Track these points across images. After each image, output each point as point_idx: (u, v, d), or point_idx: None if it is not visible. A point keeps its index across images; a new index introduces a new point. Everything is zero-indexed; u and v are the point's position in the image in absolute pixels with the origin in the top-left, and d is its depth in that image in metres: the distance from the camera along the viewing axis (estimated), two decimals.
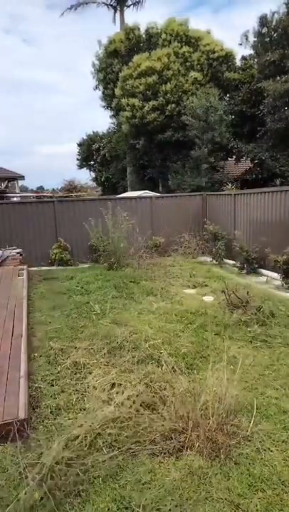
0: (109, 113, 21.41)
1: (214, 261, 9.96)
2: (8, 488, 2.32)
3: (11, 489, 2.30)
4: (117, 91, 17.03)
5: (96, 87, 20.56)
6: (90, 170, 25.96)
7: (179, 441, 2.67)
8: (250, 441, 2.71)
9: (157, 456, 2.59)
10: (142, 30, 18.47)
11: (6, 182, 21.94)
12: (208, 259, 10.32)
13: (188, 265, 9.39)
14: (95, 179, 26.07)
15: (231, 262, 9.46)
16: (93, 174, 26.05)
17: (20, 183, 26.89)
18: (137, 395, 3.19)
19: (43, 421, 3.01)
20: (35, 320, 5.52)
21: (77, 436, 2.69)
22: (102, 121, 69.94)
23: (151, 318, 5.33)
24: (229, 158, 17.05)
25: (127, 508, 2.14)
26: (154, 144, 16.59)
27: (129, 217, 9.37)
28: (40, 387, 3.52)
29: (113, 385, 3.45)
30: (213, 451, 2.58)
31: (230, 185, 14.23)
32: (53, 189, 41.92)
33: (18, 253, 9.10)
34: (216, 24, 66.83)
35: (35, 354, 4.29)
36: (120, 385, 3.43)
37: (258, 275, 8.23)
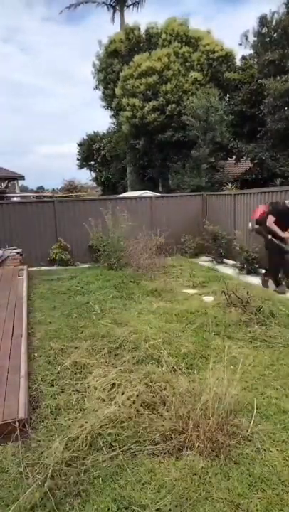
0: (109, 113, 21.46)
1: (214, 261, 9.96)
2: (9, 488, 2.32)
3: (12, 489, 2.30)
4: (118, 91, 17.04)
5: (96, 87, 20.59)
6: (90, 170, 25.98)
7: (179, 441, 2.67)
8: (250, 441, 2.71)
9: (157, 456, 2.59)
10: (142, 30, 18.48)
11: (6, 182, 21.95)
12: (208, 259, 10.32)
13: (188, 265, 9.40)
14: (95, 179, 26.08)
15: (231, 262, 9.46)
16: (93, 174, 26.07)
17: (20, 183, 26.91)
18: (137, 395, 3.19)
19: (43, 421, 3.02)
20: (35, 320, 5.52)
21: (78, 437, 2.69)
22: (102, 121, 70.15)
23: (151, 318, 5.33)
24: (229, 158, 17.05)
25: (127, 508, 2.14)
26: (154, 143, 16.59)
27: (129, 217, 9.37)
28: (40, 387, 3.52)
29: (113, 385, 3.45)
30: (213, 451, 2.58)
31: (230, 185, 14.24)
32: (53, 189, 41.94)
33: (18, 253, 9.10)
34: (216, 24, 66.88)
35: (35, 354, 4.29)
36: (120, 385, 3.43)
37: (258, 275, 8.23)
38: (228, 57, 16.59)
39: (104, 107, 20.81)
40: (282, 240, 6.64)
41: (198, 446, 2.60)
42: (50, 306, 6.23)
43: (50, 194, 31.17)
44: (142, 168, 18.57)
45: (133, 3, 23.94)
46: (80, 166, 25.88)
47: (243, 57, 16.62)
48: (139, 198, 11.33)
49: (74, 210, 10.34)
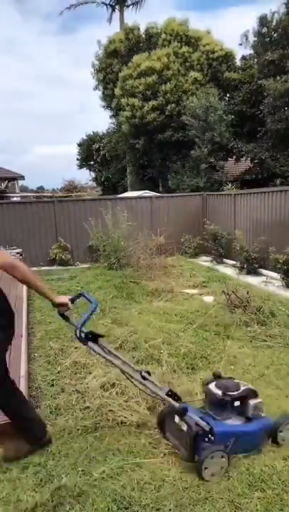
0: (109, 113, 21.43)
1: (214, 261, 9.97)
2: (9, 488, 2.32)
3: (12, 490, 2.30)
4: (117, 91, 17.02)
5: (96, 87, 20.57)
6: (90, 170, 25.96)
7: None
8: None
9: (157, 456, 2.58)
10: (142, 30, 18.46)
11: (6, 182, 21.95)
12: (208, 259, 10.32)
13: (188, 265, 9.40)
14: (95, 179, 26.07)
15: (231, 262, 9.46)
16: (93, 174, 26.05)
17: (20, 183, 26.92)
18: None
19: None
20: (35, 320, 5.52)
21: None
22: (102, 121, 70.18)
23: (151, 318, 5.32)
24: (229, 158, 17.04)
25: (127, 508, 2.14)
26: (154, 143, 16.58)
27: (129, 217, 9.37)
28: (40, 387, 3.52)
29: (113, 385, 3.45)
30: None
31: (230, 185, 14.24)
32: (53, 189, 41.92)
33: (18, 253, 9.09)
34: (216, 24, 66.93)
35: (35, 354, 4.29)
36: (121, 384, 3.43)
37: (258, 275, 8.23)
38: (228, 57, 16.58)
39: (103, 107, 20.80)
40: None
41: None
42: (50, 306, 6.22)
43: (50, 194, 31.18)
44: (142, 168, 18.56)
45: (133, 3, 23.95)
46: (80, 166, 25.87)
47: (243, 57, 16.61)
48: (139, 198, 11.33)
49: (74, 210, 10.34)
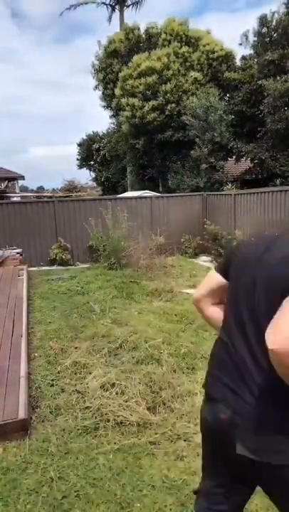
0: (109, 113, 21.42)
1: (214, 261, 9.95)
2: (9, 489, 2.31)
3: (12, 490, 2.30)
4: (117, 91, 17.01)
5: (96, 87, 20.57)
6: (90, 170, 25.95)
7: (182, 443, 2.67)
8: None
9: (158, 456, 2.58)
10: (142, 30, 18.46)
11: (6, 182, 21.93)
12: (208, 259, 10.31)
13: (188, 265, 9.40)
14: (95, 179, 26.05)
15: None
16: (93, 174, 26.04)
17: (20, 183, 26.89)
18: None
19: (43, 421, 3.01)
20: (35, 320, 5.52)
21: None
22: (102, 121, 70.27)
23: (151, 318, 5.32)
24: (229, 158, 17.04)
25: (127, 509, 2.14)
26: (154, 143, 16.58)
27: (129, 217, 9.36)
28: (40, 387, 3.52)
29: (113, 385, 3.45)
30: None
31: (230, 185, 14.23)
32: (53, 189, 41.87)
33: (18, 253, 9.09)
34: (216, 24, 66.97)
35: (35, 354, 4.29)
36: (121, 384, 3.43)
37: None
38: (228, 57, 16.57)
39: (103, 107, 20.80)
40: None
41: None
42: (50, 306, 6.23)
43: (50, 194, 31.15)
44: (142, 168, 18.56)
45: (133, 3, 23.95)
46: (80, 166, 25.86)
47: (243, 57, 16.59)
48: (139, 198, 11.32)
49: (74, 210, 10.33)
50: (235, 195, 9.76)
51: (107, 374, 3.62)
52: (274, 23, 14.04)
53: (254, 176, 16.73)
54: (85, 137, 24.73)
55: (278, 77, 12.94)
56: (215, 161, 14.67)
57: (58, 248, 9.99)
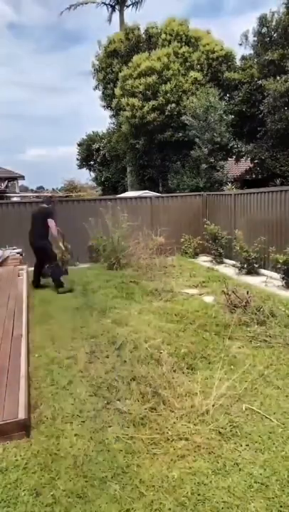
0: (109, 113, 21.41)
1: (214, 261, 9.96)
2: (9, 489, 2.31)
3: (12, 490, 2.30)
4: (117, 91, 17.01)
5: (96, 87, 20.56)
6: (90, 170, 25.95)
7: (182, 444, 2.67)
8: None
9: (158, 456, 2.58)
10: (142, 30, 18.45)
11: (6, 182, 21.95)
12: (208, 259, 10.31)
13: (188, 265, 9.39)
14: (95, 179, 26.05)
15: (231, 261, 9.45)
16: (93, 174, 26.04)
17: (20, 183, 26.92)
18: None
19: (42, 421, 3.01)
20: (36, 320, 5.52)
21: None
22: (101, 121, 70.23)
23: (151, 318, 5.32)
24: (229, 158, 17.04)
25: (127, 509, 2.14)
26: (154, 143, 16.58)
27: (129, 217, 9.36)
28: (40, 387, 3.52)
29: (113, 385, 3.45)
30: (214, 452, 2.58)
31: (230, 185, 14.23)
32: (53, 189, 41.85)
33: (18, 253, 9.08)
34: (216, 24, 66.98)
35: (35, 354, 4.29)
36: (121, 384, 3.43)
37: (258, 275, 8.23)
38: (227, 57, 16.57)
39: (103, 107, 20.79)
40: None
41: (199, 448, 2.60)
42: (50, 306, 6.23)
43: (50, 194, 31.14)
44: (142, 168, 18.56)
45: (133, 3, 23.94)
46: (80, 166, 25.85)
47: (243, 57, 16.60)
48: (139, 198, 11.32)
49: (74, 210, 10.33)
50: (235, 195, 9.76)
51: (108, 374, 3.63)
52: (274, 23, 14.04)
53: (254, 176, 16.73)
54: (85, 137, 24.73)
55: (278, 77, 12.94)
56: (215, 161, 14.67)
57: (57, 248, 9.97)
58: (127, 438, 2.74)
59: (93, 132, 24.57)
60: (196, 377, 3.60)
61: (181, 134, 15.43)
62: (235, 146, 15.24)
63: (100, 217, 9.43)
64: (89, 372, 3.77)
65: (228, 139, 14.78)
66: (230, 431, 2.80)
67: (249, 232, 8.83)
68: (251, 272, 8.41)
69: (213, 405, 3.03)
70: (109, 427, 2.89)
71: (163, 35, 16.77)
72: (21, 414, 2.82)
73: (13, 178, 22.31)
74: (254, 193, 8.92)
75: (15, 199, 19.51)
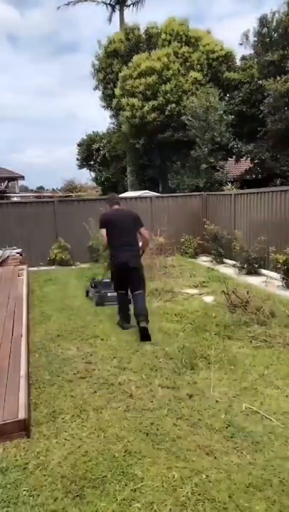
0: (109, 113, 21.41)
1: (214, 261, 9.96)
2: (8, 489, 2.31)
3: (12, 490, 2.30)
4: (117, 91, 17.01)
5: (96, 87, 20.55)
6: (90, 170, 25.93)
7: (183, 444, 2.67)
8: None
9: (157, 456, 2.58)
10: (142, 30, 18.45)
11: (6, 182, 21.96)
12: (208, 259, 10.31)
13: (188, 265, 9.39)
14: (95, 179, 26.03)
15: (231, 262, 9.45)
16: (93, 174, 26.02)
17: (20, 183, 26.94)
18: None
19: (42, 421, 3.01)
20: (36, 320, 5.52)
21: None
22: (102, 121, 70.19)
23: (151, 318, 5.32)
24: (229, 158, 17.03)
25: (127, 509, 2.14)
26: (154, 143, 16.57)
27: None
28: (40, 387, 3.52)
29: (113, 385, 3.45)
30: (213, 452, 2.58)
31: (230, 185, 14.22)
32: (53, 189, 41.87)
33: (18, 253, 9.09)
34: (216, 24, 67.05)
35: (36, 354, 4.29)
36: (121, 385, 3.43)
37: (258, 275, 8.23)
38: (228, 57, 16.56)
39: (103, 107, 20.78)
40: None
41: (199, 447, 2.59)
42: (50, 306, 6.23)
43: (50, 194, 31.19)
44: (142, 168, 18.55)
45: (133, 3, 23.94)
46: (80, 166, 25.82)
47: (243, 57, 16.59)
48: (139, 198, 11.32)
49: (74, 210, 10.34)
50: (235, 195, 9.76)
51: (107, 374, 3.63)
52: (274, 23, 14.03)
53: (254, 176, 16.72)
54: (85, 137, 24.71)
55: (278, 78, 12.93)
56: (215, 161, 14.67)
57: (57, 248, 9.99)
58: (127, 440, 2.74)
59: (93, 132, 24.56)
60: (196, 377, 3.60)
61: (181, 134, 15.43)
62: (236, 146, 15.23)
63: None
64: (89, 372, 3.77)
65: (228, 139, 14.77)
66: (230, 431, 2.80)
67: (249, 232, 8.83)
68: (251, 272, 8.41)
69: (213, 405, 3.03)
70: (109, 426, 2.89)
71: (163, 35, 16.76)
72: (21, 414, 2.82)
73: (13, 178, 22.31)
74: (254, 193, 8.92)
75: (15, 199, 19.51)
